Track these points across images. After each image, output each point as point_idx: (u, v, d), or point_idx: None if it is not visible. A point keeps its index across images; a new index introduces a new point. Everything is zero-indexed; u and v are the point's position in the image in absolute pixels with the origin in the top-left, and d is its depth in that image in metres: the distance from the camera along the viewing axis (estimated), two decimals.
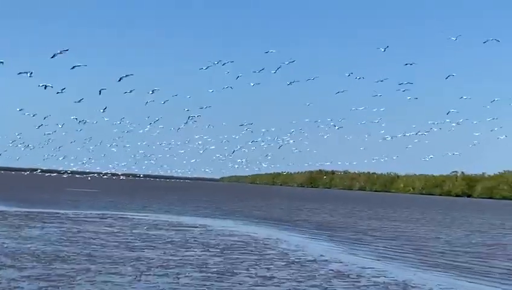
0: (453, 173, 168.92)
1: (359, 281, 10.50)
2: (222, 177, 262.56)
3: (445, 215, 48.47)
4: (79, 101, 46.11)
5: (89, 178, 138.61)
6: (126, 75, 44.34)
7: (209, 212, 36.55)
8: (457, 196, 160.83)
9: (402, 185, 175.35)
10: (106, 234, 18.73)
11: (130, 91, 46.57)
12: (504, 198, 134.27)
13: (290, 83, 51.57)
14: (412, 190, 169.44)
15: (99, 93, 39.21)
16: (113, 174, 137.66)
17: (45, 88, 37.22)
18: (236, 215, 33.52)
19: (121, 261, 11.80)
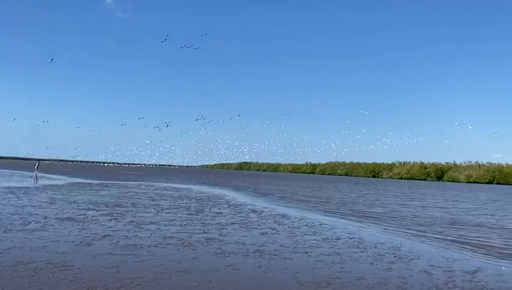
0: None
1: (262, 212, 18.40)
2: (199, 165, 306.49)
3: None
4: None
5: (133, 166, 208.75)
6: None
7: (192, 181, 52.94)
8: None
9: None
10: (140, 193, 27.70)
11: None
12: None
13: None
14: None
15: None
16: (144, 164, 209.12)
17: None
18: (205, 183, 48.88)
19: (148, 206, 18.88)
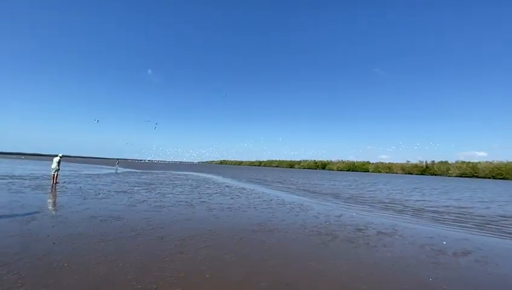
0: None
1: (232, 187, 21.62)
2: (199, 162, 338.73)
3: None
4: None
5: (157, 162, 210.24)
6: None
7: (194, 170, 61.02)
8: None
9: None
10: (163, 177, 30.56)
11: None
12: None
13: None
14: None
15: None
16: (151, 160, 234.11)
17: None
18: (203, 171, 57.46)
19: (168, 184, 21.17)
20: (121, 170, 43.71)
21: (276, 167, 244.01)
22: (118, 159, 60.65)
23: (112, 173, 31.97)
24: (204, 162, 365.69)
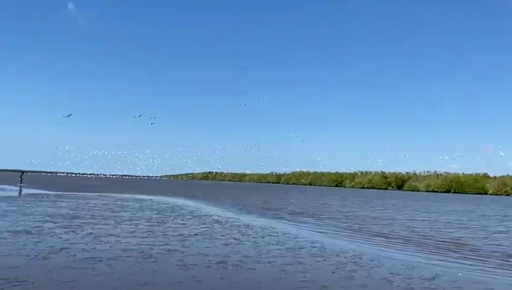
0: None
1: (226, 223, 15.68)
2: (162, 176, 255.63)
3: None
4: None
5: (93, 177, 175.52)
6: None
7: (153, 192, 45.57)
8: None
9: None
10: (100, 204, 22.58)
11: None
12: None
13: None
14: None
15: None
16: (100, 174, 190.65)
17: None
18: (165, 194, 42.16)
19: (108, 217, 15.09)
20: (25, 190, 33.78)
21: (310, 185, 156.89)
22: (21, 171, 42.09)
23: (7, 197, 24.71)
24: (174, 176, 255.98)
